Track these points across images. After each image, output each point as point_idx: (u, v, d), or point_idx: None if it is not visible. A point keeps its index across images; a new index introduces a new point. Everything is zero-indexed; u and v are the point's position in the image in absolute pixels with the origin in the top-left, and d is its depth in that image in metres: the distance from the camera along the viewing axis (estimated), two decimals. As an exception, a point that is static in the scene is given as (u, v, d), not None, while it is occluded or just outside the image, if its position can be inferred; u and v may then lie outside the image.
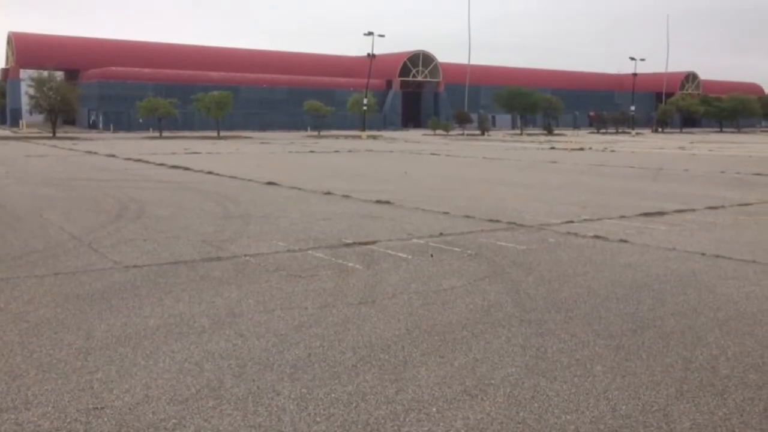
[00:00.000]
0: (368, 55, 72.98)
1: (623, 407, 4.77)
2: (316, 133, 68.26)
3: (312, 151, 39.44)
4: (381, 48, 76.00)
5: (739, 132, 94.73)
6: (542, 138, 66.21)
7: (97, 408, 4.67)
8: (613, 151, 42.76)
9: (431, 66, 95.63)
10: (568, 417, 4.61)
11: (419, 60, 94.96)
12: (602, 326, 6.62)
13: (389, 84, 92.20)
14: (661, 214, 14.45)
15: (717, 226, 12.94)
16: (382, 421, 4.53)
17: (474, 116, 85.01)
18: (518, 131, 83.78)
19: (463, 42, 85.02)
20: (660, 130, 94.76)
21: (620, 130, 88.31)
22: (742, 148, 47.67)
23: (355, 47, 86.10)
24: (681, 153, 41.63)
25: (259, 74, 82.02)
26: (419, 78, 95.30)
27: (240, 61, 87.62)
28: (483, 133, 76.36)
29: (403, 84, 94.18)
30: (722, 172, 26.10)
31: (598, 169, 27.48)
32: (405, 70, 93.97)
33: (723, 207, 15.78)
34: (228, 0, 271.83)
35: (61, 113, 60.29)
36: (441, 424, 4.50)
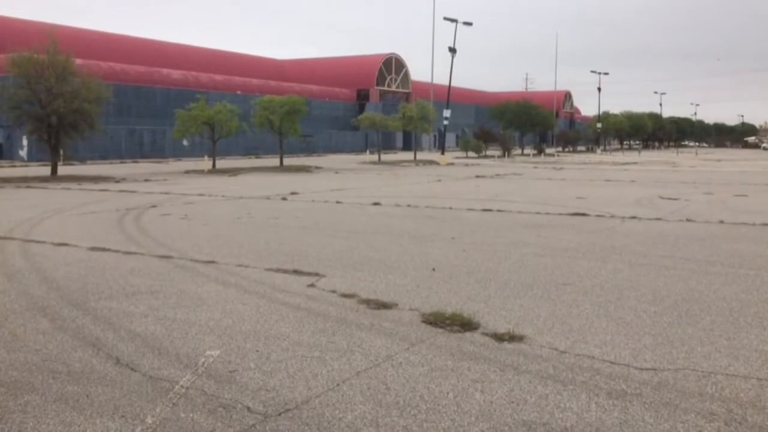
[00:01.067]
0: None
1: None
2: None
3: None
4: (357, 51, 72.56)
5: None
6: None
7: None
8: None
9: (403, 74, 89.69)
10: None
11: (392, 67, 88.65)
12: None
13: (366, 94, 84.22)
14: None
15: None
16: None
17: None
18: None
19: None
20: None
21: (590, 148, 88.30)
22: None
23: (331, 52, 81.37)
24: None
25: (244, 80, 76.91)
26: (394, 87, 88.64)
27: (217, 65, 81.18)
28: None
29: (381, 94, 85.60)
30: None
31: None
32: (380, 79, 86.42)
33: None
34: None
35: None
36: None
